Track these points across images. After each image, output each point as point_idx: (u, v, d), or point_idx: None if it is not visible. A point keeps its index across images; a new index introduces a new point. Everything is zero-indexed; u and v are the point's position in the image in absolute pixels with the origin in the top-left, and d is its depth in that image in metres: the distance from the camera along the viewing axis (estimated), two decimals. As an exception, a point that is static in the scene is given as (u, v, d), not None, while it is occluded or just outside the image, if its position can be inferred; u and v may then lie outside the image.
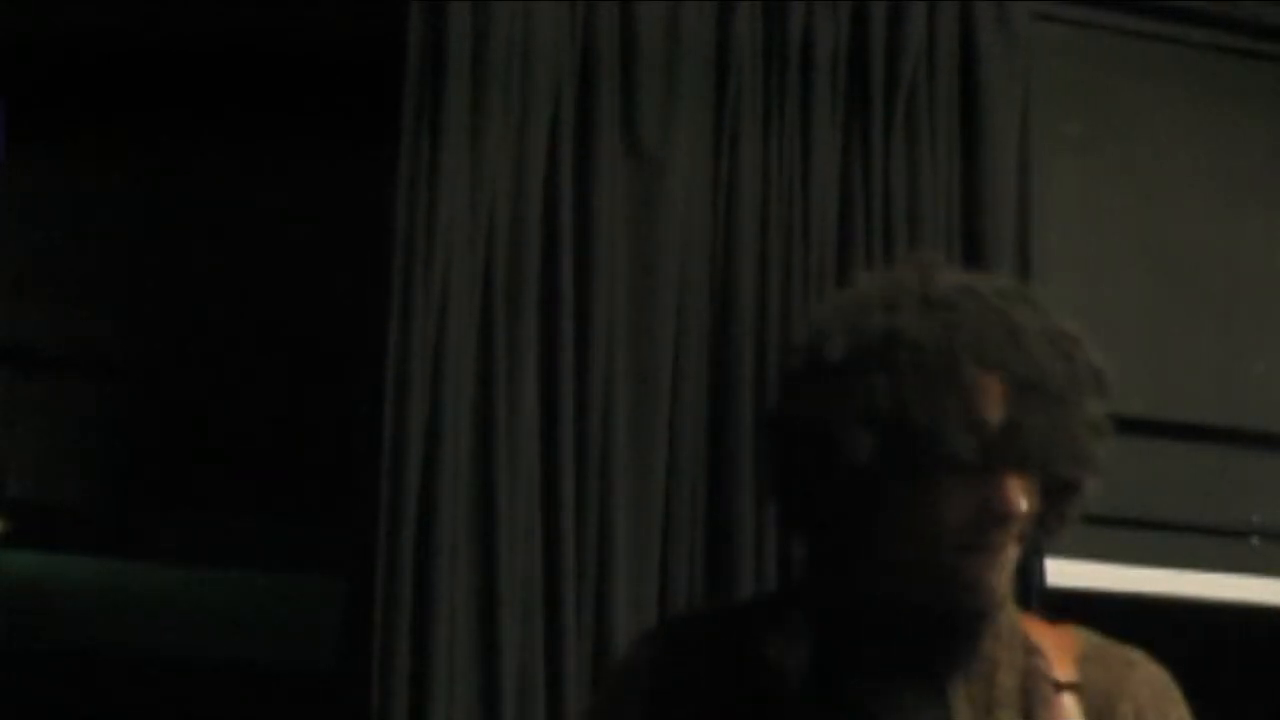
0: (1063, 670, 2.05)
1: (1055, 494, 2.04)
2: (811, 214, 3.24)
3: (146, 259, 3.33)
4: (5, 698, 5.63)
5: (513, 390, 3.01)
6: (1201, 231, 3.67)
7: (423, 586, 2.89)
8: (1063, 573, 3.36)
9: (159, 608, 5.53)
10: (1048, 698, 2.02)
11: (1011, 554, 2.00)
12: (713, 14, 3.25)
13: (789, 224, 3.23)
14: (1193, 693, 2.17)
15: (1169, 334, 3.61)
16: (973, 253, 3.30)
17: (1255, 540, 3.59)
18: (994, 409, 1.95)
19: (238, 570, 4.68)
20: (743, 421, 3.11)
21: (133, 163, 3.31)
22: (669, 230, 3.15)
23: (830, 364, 2.01)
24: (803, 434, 2.03)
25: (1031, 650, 2.06)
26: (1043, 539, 2.10)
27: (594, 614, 2.99)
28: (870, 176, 3.28)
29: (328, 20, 3.27)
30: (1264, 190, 3.72)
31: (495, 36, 3.09)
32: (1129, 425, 3.50)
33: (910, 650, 2.01)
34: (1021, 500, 1.96)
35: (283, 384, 3.30)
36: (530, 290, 3.05)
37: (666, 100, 3.19)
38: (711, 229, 3.20)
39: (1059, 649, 2.08)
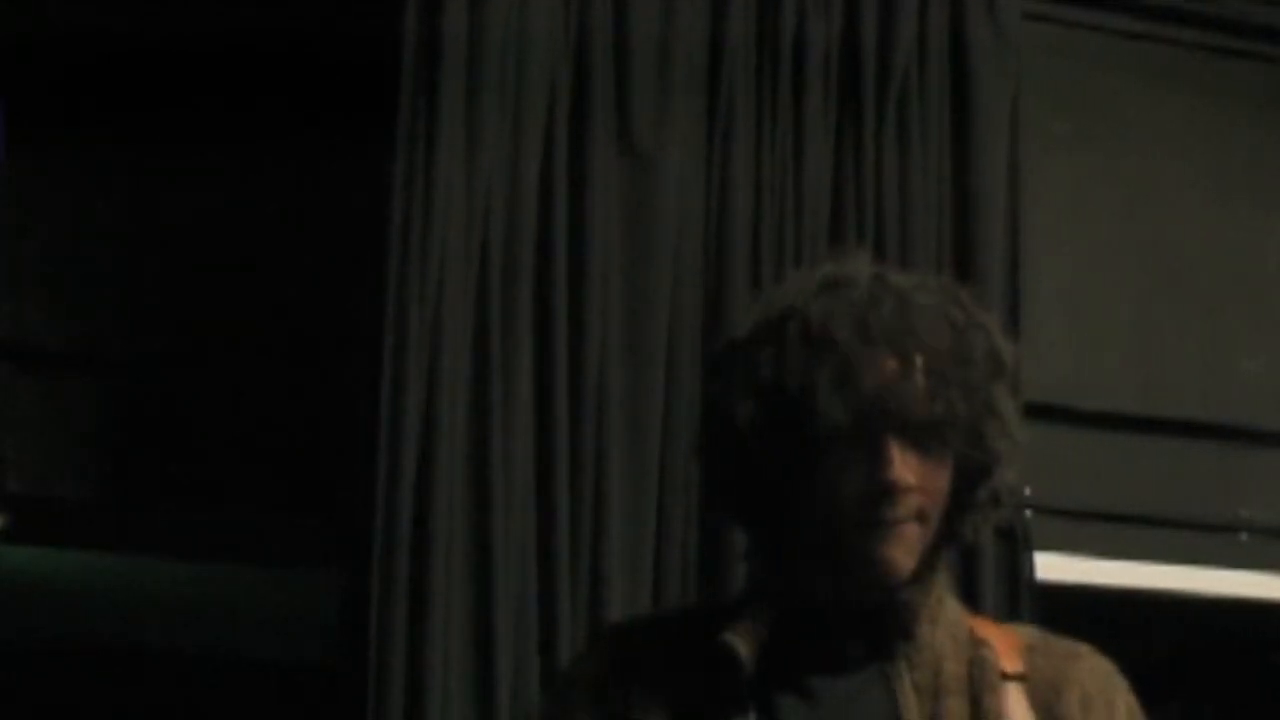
0: (1008, 662, 2.05)
1: (963, 477, 2.03)
2: (803, 211, 3.26)
3: (145, 256, 3.33)
4: (4, 693, 5.62)
5: (508, 386, 3.02)
6: (1190, 229, 3.69)
7: (418, 581, 2.91)
8: (1052, 567, 3.38)
9: (158, 602, 5.52)
10: (995, 685, 2.02)
11: (915, 533, 1.99)
12: (705, 13, 3.26)
13: (781, 220, 3.24)
14: (1181, 684, 2.18)
15: (1158, 331, 3.63)
16: (963, 250, 3.32)
17: (1244, 535, 3.62)
18: (871, 380, 1.96)
19: (236, 565, 4.68)
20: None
21: (131, 161, 3.30)
22: (662, 226, 3.17)
23: (735, 343, 2.06)
24: (708, 412, 2.09)
25: (978, 642, 2.07)
26: (964, 528, 2.09)
27: (588, 607, 3.01)
28: (861, 174, 3.29)
29: (324, 21, 3.26)
30: (1252, 188, 3.74)
31: (490, 36, 3.10)
32: (1119, 421, 3.57)
33: (851, 640, 2.02)
34: (903, 470, 1.97)
35: (280, 380, 3.29)
36: (525, 286, 3.06)
37: (659, 98, 3.21)
38: (704, 226, 3.21)
39: (1004, 642, 2.08)
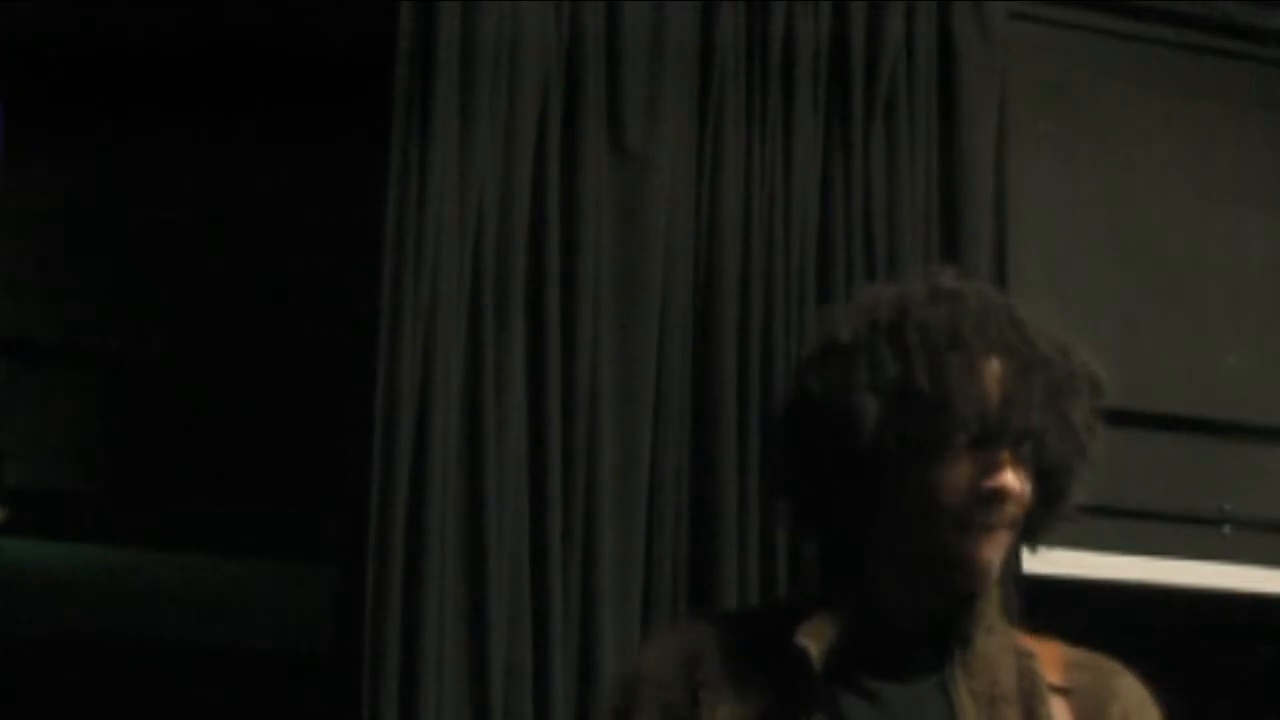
0: (1052, 674, 2.10)
1: (1047, 485, 2.08)
2: (793, 209, 3.27)
3: (142, 253, 3.34)
4: (2, 684, 5.63)
5: (501, 383, 3.03)
6: (1174, 226, 3.71)
7: (412, 574, 2.92)
8: (1039, 561, 3.35)
9: (155, 595, 5.53)
10: (1044, 696, 2.07)
11: (1007, 539, 2.04)
12: (696, 14, 3.28)
13: (771, 218, 3.26)
14: (1166, 676, 2.21)
15: (1142, 327, 3.64)
16: (950, 246, 3.33)
17: (1227, 528, 3.64)
18: (994, 387, 2.00)
19: (232, 558, 4.69)
20: (726, 413, 3.14)
21: (128, 160, 3.31)
22: (653, 225, 3.18)
23: (841, 344, 2.07)
24: (814, 409, 2.07)
25: (1024, 654, 2.11)
26: (1032, 535, 2.14)
27: (580, 600, 3.02)
28: (850, 172, 3.31)
29: (320, 22, 3.28)
30: (1235, 186, 3.76)
31: (483, 36, 3.11)
32: (1105, 415, 3.56)
33: (915, 646, 2.06)
34: (1016, 480, 2.01)
35: (276, 376, 3.31)
36: (518, 282, 3.08)
37: (651, 98, 3.22)
38: (695, 224, 3.23)
39: (1046, 655, 2.13)
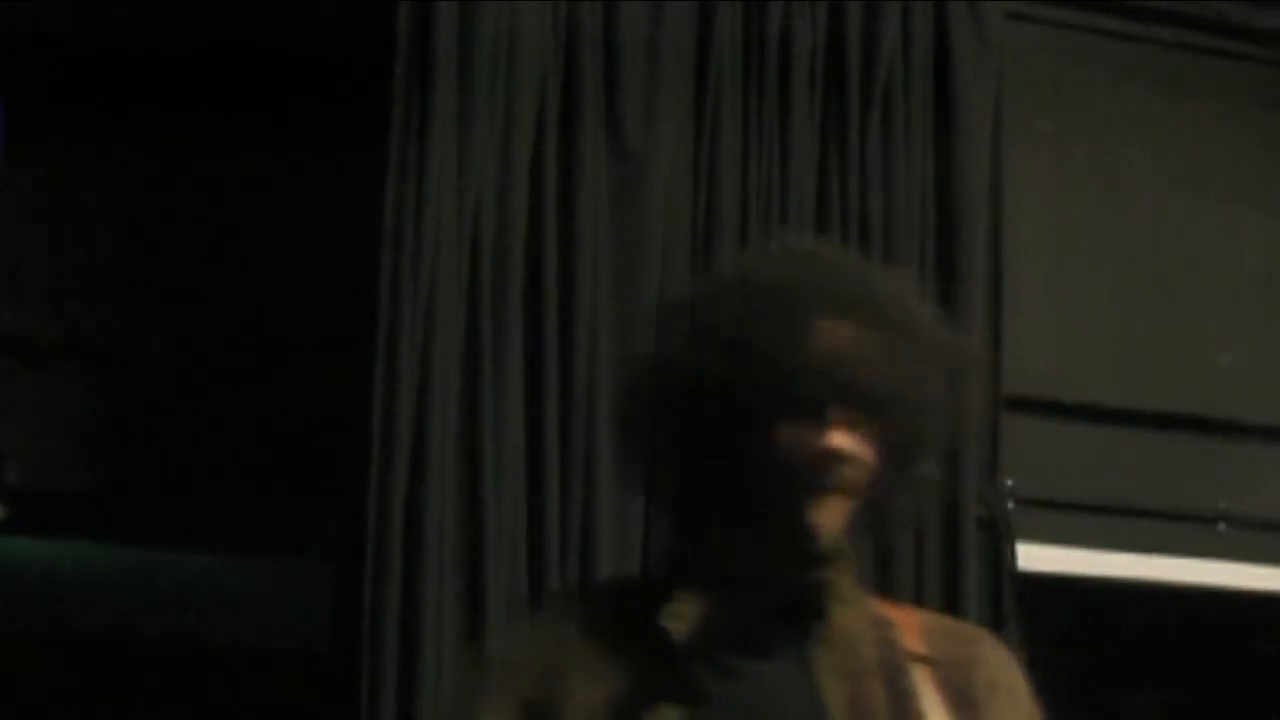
0: (913, 643, 2.07)
1: (895, 453, 2.04)
2: (790, 207, 3.28)
3: (141, 252, 3.34)
4: (2, 682, 5.63)
5: (498, 381, 3.05)
6: (1169, 225, 3.71)
7: (411, 571, 2.93)
8: (1034, 558, 3.41)
9: (155, 593, 5.53)
10: (907, 667, 2.04)
11: (843, 505, 2.00)
12: (693, 13, 3.29)
13: (768, 217, 3.26)
14: (1160, 673, 2.21)
15: (1137, 325, 3.65)
16: (946, 245, 3.35)
17: (1222, 526, 3.65)
18: (832, 348, 1.97)
19: (231, 555, 4.70)
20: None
21: (129, 159, 3.31)
22: (651, 223, 3.20)
23: (685, 304, 2.07)
24: (655, 370, 2.07)
25: (883, 624, 2.08)
26: (882, 506, 2.09)
27: (578, 597, 3.04)
28: (847, 171, 3.32)
29: (319, 22, 3.28)
30: (1230, 185, 3.77)
31: (481, 35, 3.12)
32: (1100, 414, 3.59)
33: (773, 622, 2.02)
34: (847, 442, 1.97)
35: (275, 374, 3.30)
36: (516, 281, 3.09)
37: (648, 97, 3.23)
38: (692, 222, 3.24)
39: (906, 624, 2.10)
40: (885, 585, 3.13)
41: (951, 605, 3.19)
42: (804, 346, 1.97)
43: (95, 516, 3.75)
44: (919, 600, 3.15)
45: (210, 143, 3.31)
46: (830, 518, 2.00)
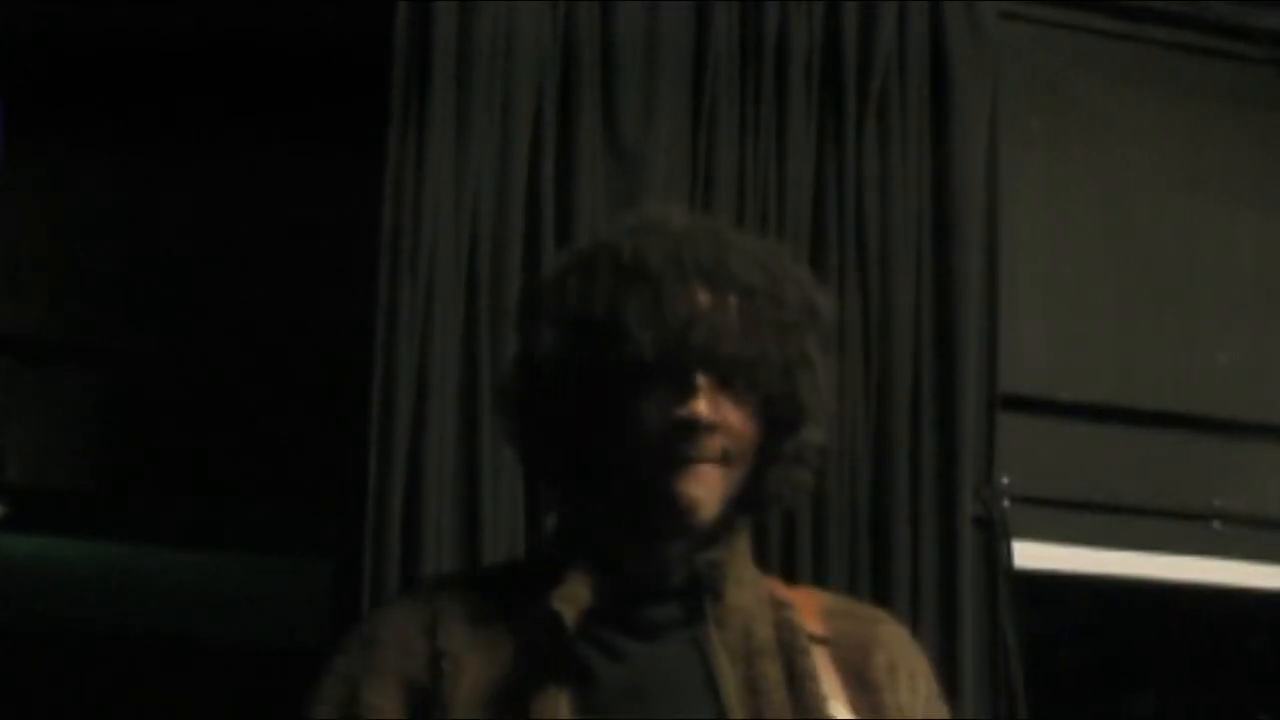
0: (811, 623, 2.05)
1: (772, 419, 2.01)
2: (787, 207, 3.28)
3: (141, 251, 3.36)
4: (3, 677, 5.65)
5: (496, 379, 3.00)
6: (1165, 224, 3.71)
7: (408, 569, 2.93)
8: (1029, 555, 3.40)
9: (155, 590, 5.55)
10: (805, 648, 2.01)
11: (717, 474, 1.96)
12: (690, 14, 3.29)
13: (765, 217, 3.26)
14: (1156, 670, 2.20)
15: (1133, 323, 3.64)
16: (941, 243, 3.34)
17: (1217, 524, 3.64)
18: (684, 314, 1.94)
19: (231, 553, 4.71)
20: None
21: (128, 158, 3.33)
22: (648, 223, 3.22)
23: (536, 281, 2.08)
24: (517, 353, 2.05)
25: (781, 604, 2.05)
26: (768, 485, 2.06)
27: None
28: (843, 171, 3.32)
29: (318, 21, 3.29)
30: (1225, 184, 3.76)
31: (479, 36, 3.13)
32: (1096, 412, 3.59)
33: (663, 603, 2.00)
34: (710, 409, 1.94)
35: (274, 373, 3.32)
36: (513, 280, 3.08)
37: (646, 97, 3.23)
38: (689, 222, 3.26)
39: (805, 604, 2.08)
40: (881, 583, 3.15)
41: (947, 603, 3.20)
42: (659, 316, 1.94)
43: (95, 514, 3.75)
44: (914, 597, 3.16)
45: (209, 142, 3.33)
46: (704, 489, 1.96)
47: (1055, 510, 3.51)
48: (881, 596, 3.06)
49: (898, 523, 3.18)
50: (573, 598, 1.97)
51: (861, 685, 2.04)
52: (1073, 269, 3.64)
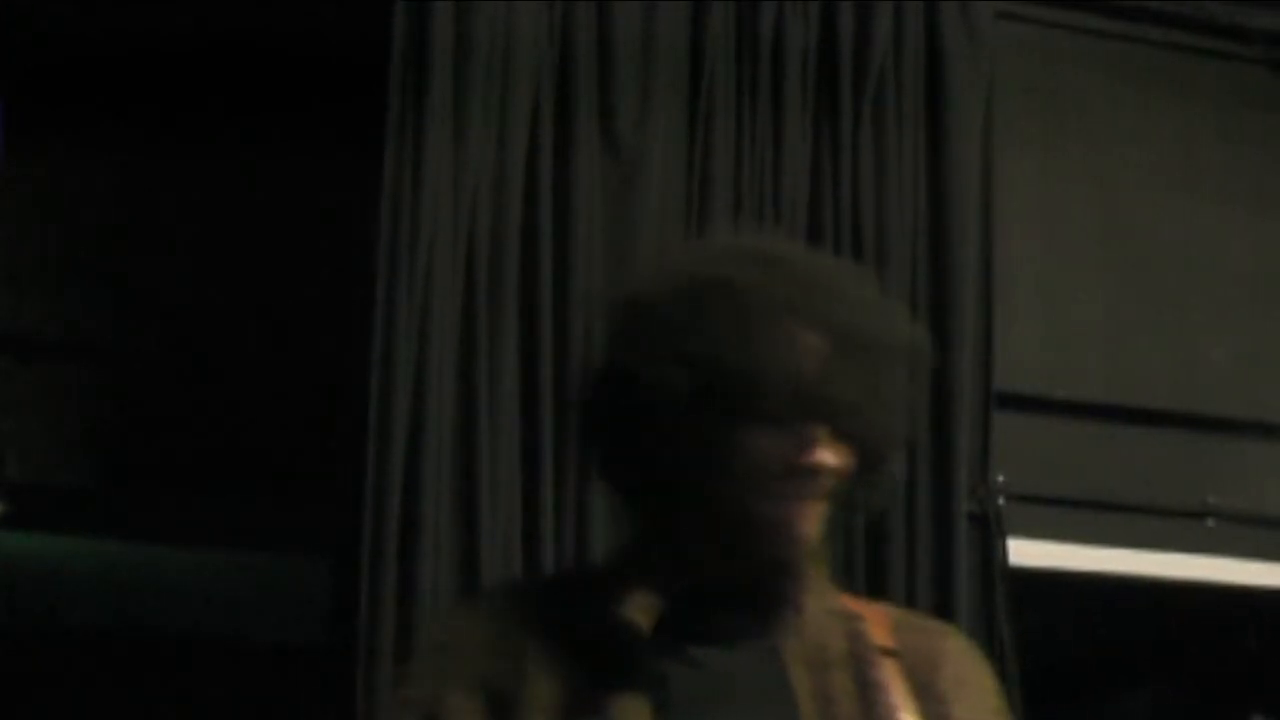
0: (881, 636, 2.06)
1: (866, 456, 2.03)
2: (782, 206, 3.30)
3: (141, 250, 3.36)
4: (2, 677, 5.64)
5: (494, 377, 3.07)
6: (1159, 223, 3.72)
7: (407, 566, 2.94)
8: (1025, 553, 3.42)
9: (154, 587, 5.54)
10: (875, 659, 2.03)
11: (819, 509, 1.99)
12: (687, 14, 3.31)
13: (761, 215, 3.28)
14: (1149, 667, 2.22)
15: (1128, 322, 3.66)
16: (938, 244, 3.36)
17: (1211, 521, 3.66)
18: (810, 362, 1.96)
19: (230, 550, 4.70)
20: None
21: (128, 157, 3.33)
22: (645, 221, 3.22)
23: (652, 307, 2.01)
24: (621, 375, 2.02)
25: (851, 616, 2.07)
26: (850, 502, 2.08)
27: (573, 592, 3.06)
28: (839, 169, 3.33)
29: (317, 22, 3.30)
30: (1218, 183, 3.78)
31: (477, 36, 3.14)
32: (1090, 410, 3.60)
33: (739, 613, 2.01)
34: (828, 455, 1.97)
35: (273, 370, 3.33)
36: (511, 278, 3.11)
37: (642, 97, 3.25)
38: (686, 221, 3.25)
39: (873, 617, 2.09)
40: (877, 580, 3.16)
41: (943, 600, 3.21)
42: (783, 364, 1.96)
43: (94, 512, 3.75)
44: (910, 595, 3.17)
45: (208, 142, 3.33)
46: (808, 524, 1.99)
47: (1050, 508, 3.53)
48: (877, 593, 3.07)
49: (894, 520, 3.19)
50: (645, 606, 2.00)
51: (929, 697, 2.05)
52: (1067, 268, 3.65)
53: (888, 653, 2.05)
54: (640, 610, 1.99)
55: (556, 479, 3.08)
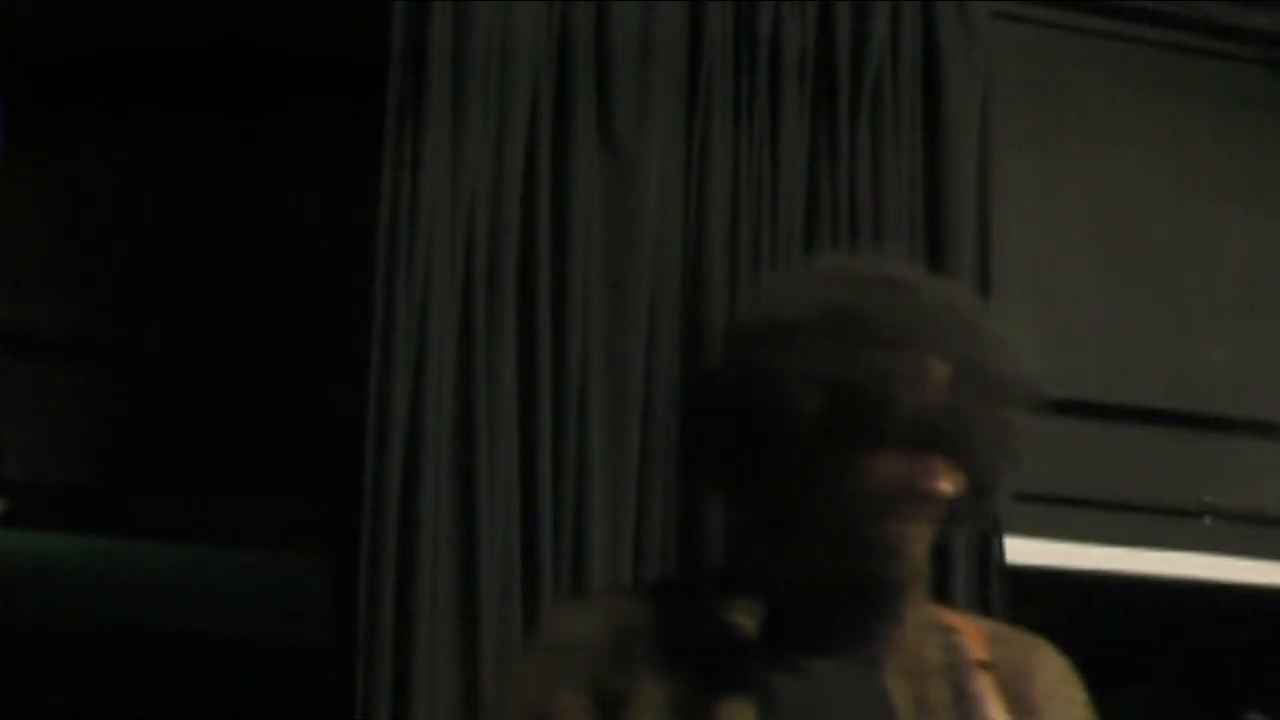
0: (976, 650, 2.11)
1: (975, 481, 2.09)
2: (780, 205, 3.30)
3: (140, 249, 3.36)
4: (2, 673, 5.65)
5: (492, 373, 3.07)
6: (1155, 222, 3.73)
7: (405, 562, 2.95)
8: (1021, 551, 3.42)
9: (153, 585, 5.55)
10: (972, 671, 2.08)
11: (927, 531, 2.06)
12: (684, 14, 3.31)
13: (758, 214, 3.28)
14: (1145, 665, 2.23)
15: (1124, 321, 3.66)
16: (934, 243, 3.36)
17: (1207, 520, 3.67)
18: (936, 391, 2.02)
19: (229, 548, 4.71)
20: (712, 405, 3.18)
21: (128, 157, 3.33)
22: (643, 220, 3.21)
23: (784, 324, 2.05)
24: (748, 387, 2.07)
25: (948, 629, 2.13)
26: (955, 522, 2.14)
27: (571, 590, 3.04)
28: (836, 169, 3.33)
29: (315, 22, 3.31)
30: (1215, 182, 3.79)
31: (475, 36, 3.14)
32: (1087, 409, 3.61)
33: (842, 622, 2.07)
34: (944, 483, 2.03)
35: (272, 369, 3.32)
36: (509, 277, 3.11)
37: (640, 96, 3.25)
38: (684, 221, 3.25)
39: (968, 631, 2.15)
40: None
41: (939, 598, 3.19)
42: (910, 391, 2.01)
43: (94, 510, 3.76)
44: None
45: (207, 141, 3.33)
46: (920, 545, 2.07)
47: (1047, 506, 3.53)
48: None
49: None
50: (750, 611, 2.05)
51: (1023, 710, 2.10)
52: (1064, 267, 3.66)
53: (983, 665, 2.10)
54: (746, 615, 2.04)
55: (555, 477, 3.09)
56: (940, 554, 3.23)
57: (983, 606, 3.28)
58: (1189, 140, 3.80)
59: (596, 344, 3.16)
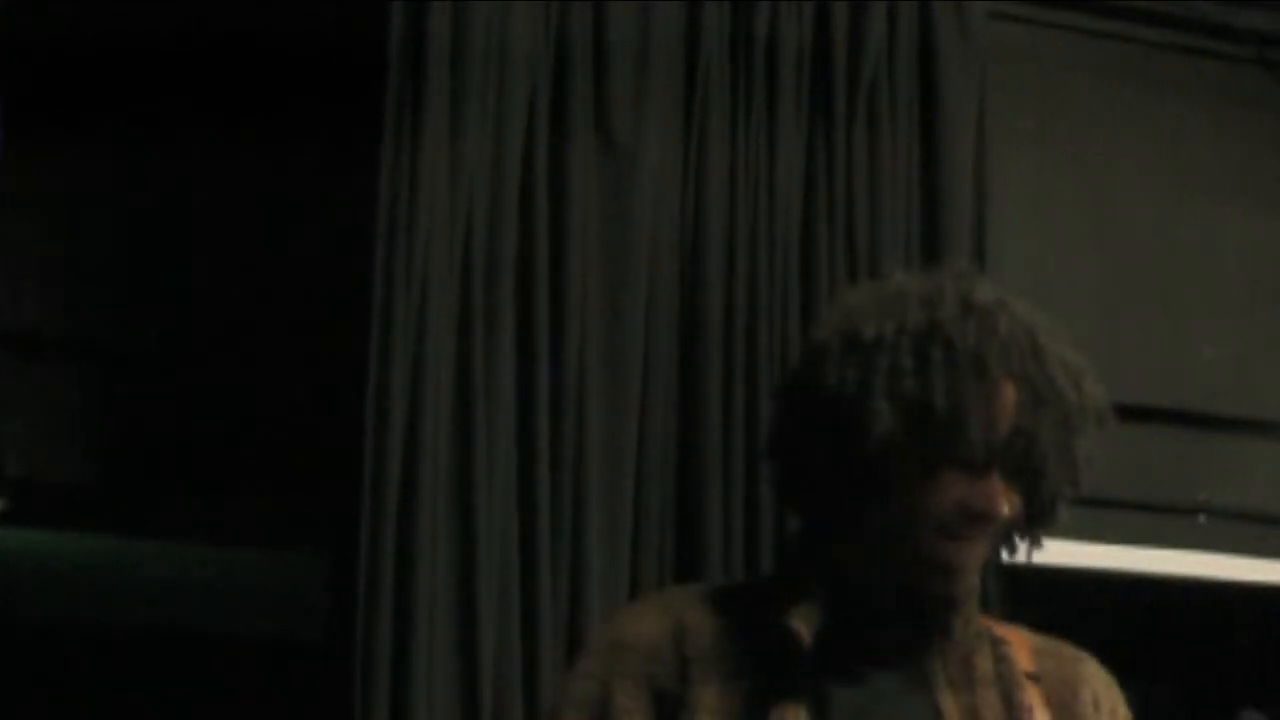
0: (1024, 662, 2.15)
1: (1036, 503, 2.13)
2: (777, 205, 3.31)
3: (140, 248, 3.36)
4: (3, 671, 5.65)
5: (490, 373, 3.08)
6: (1151, 222, 3.74)
7: (404, 562, 2.96)
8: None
9: (153, 583, 5.55)
10: (1021, 683, 2.11)
11: (983, 550, 2.09)
12: (682, 14, 3.31)
13: (755, 214, 3.30)
14: (1141, 663, 2.24)
15: (1120, 320, 3.67)
16: (931, 242, 3.38)
17: (1202, 518, 3.68)
18: (1006, 416, 2.05)
19: (228, 547, 4.71)
20: (710, 405, 3.19)
21: (127, 155, 3.33)
22: (640, 220, 3.22)
23: (865, 340, 2.08)
24: (825, 398, 2.09)
25: (997, 640, 2.16)
26: (1010, 542, 2.18)
27: (569, 588, 3.06)
28: (833, 169, 3.34)
29: (315, 22, 3.31)
30: (1210, 182, 3.80)
31: (473, 36, 3.15)
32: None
33: (895, 631, 2.10)
34: (1005, 505, 2.06)
35: (271, 368, 3.33)
36: (507, 276, 3.12)
37: (638, 96, 3.26)
38: (681, 220, 3.27)
39: (1015, 642, 2.18)
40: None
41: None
42: (983, 415, 2.04)
43: (94, 508, 3.76)
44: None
45: (207, 141, 3.33)
46: (975, 561, 2.09)
47: (1044, 504, 3.52)
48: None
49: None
50: (807, 616, 2.07)
51: None
52: (1060, 266, 3.66)
53: (1030, 677, 2.14)
54: (803, 619, 2.06)
55: (553, 475, 3.10)
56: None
57: (981, 606, 3.28)
58: (1185, 140, 3.81)
59: (594, 343, 3.17)
